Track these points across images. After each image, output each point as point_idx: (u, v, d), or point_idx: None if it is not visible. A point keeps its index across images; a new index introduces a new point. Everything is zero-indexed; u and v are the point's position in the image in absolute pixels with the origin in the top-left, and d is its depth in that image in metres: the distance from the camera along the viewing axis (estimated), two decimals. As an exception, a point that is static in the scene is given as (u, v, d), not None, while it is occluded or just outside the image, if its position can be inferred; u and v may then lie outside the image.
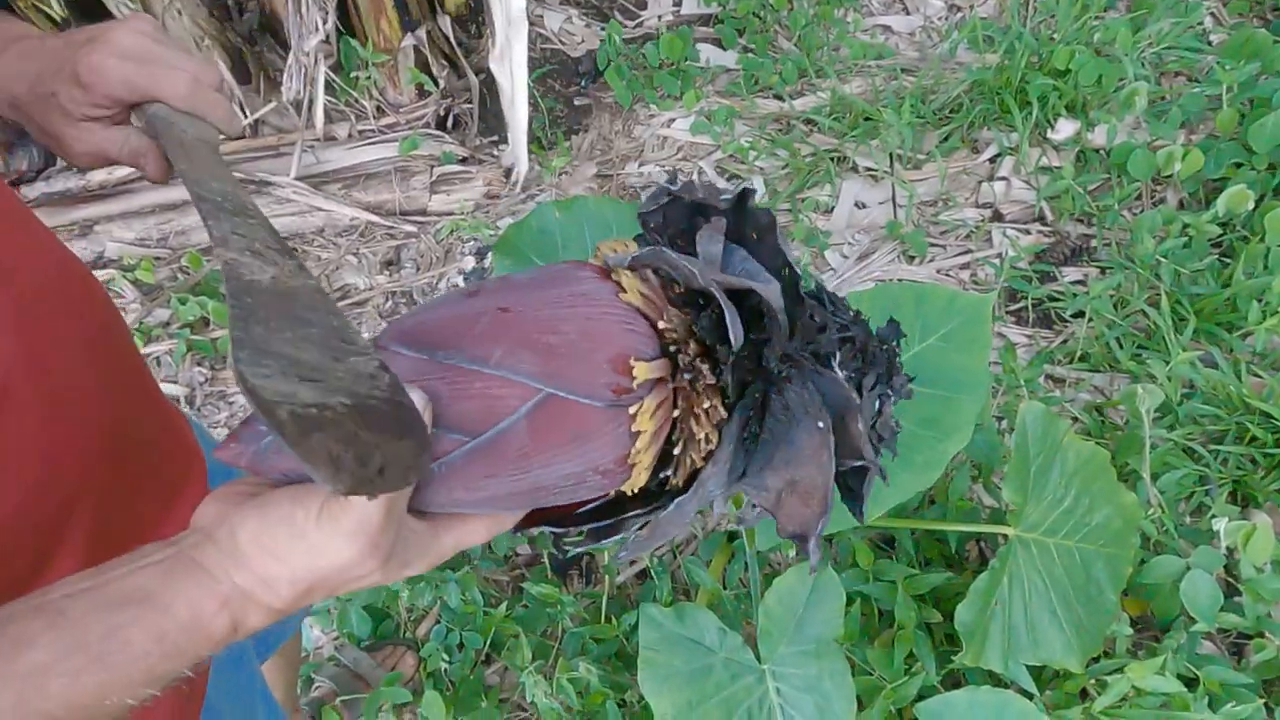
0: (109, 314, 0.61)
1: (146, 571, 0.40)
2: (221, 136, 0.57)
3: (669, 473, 0.48)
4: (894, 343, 0.52)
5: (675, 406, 0.46)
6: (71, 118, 0.55)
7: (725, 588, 1.41)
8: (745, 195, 0.49)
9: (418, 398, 0.41)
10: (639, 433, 0.44)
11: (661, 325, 0.46)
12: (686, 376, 0.46)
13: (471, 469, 0.43)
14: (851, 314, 0.51)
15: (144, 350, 1.89)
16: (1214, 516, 1.33)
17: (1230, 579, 1.38)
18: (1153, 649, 1.29)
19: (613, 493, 0.49)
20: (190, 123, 0.55)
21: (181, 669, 0.40)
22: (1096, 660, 1.22)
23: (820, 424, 0.46)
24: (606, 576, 1.48)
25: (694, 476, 0.48)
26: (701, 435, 0.46)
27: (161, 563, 0.40)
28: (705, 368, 0.46)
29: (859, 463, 0.49)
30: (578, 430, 0.43)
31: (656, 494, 0.49)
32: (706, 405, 0.46)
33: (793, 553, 1.46)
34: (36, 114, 0.56)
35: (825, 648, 1.07)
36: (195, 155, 0.52)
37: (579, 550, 0.51)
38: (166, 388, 1.87)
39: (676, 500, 0.47)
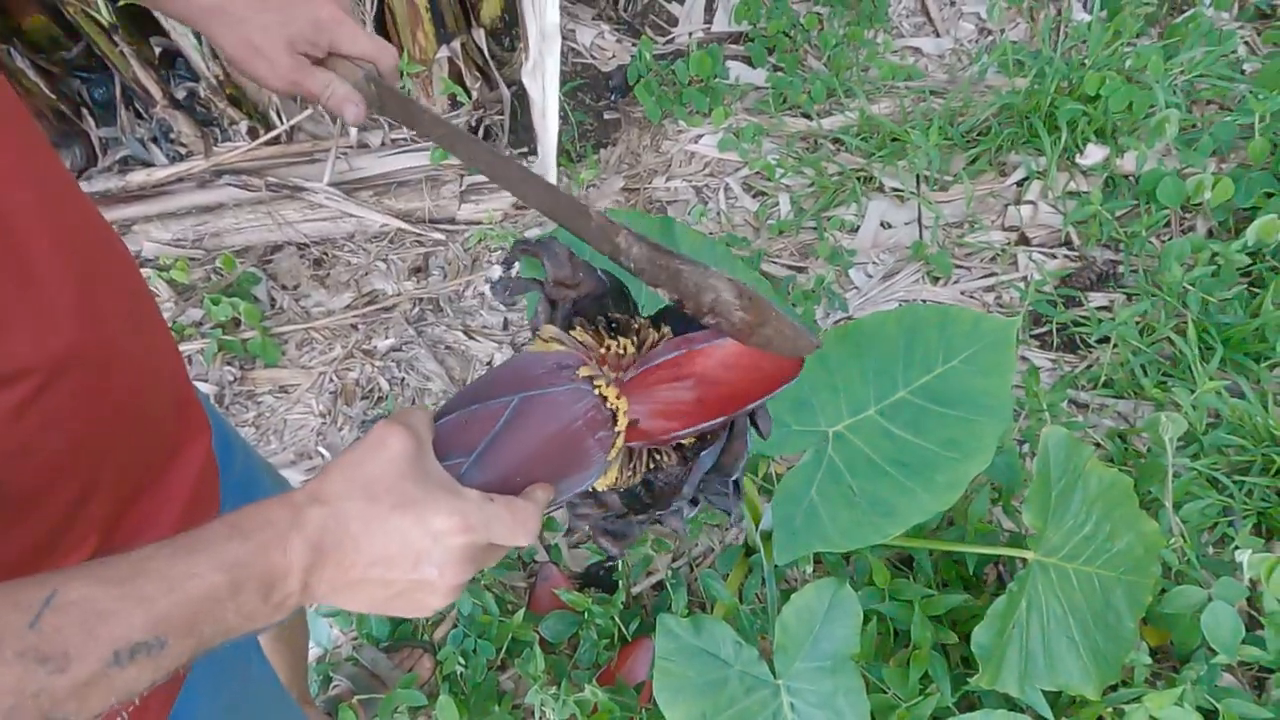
0: (138, 281, 0.64)
1: None
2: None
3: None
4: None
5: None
6: (293, 48, 0.69)
7: (742, 602, 1.41)
8: None
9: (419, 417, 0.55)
10: (591, 377, 0.60)
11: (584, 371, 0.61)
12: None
13: (476, 468, 0.56)
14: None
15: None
16: (1237, 548, 1.31)
17: (1253, 612, 1.37)
18: (1171, 679, 1.28)
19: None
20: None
21: (229, 546, 0.44)
22: (1114, 688, 1.21)
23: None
24: (619, 581, 1.49)
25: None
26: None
27: None
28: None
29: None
30: (545, 411, 0.58)
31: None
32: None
33: (810, 569, 1.46)
34: (255, 34, 0.69)
35: (841, 665, 1.07)
36: (415, 109, 0.70)
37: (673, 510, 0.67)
38: (196, 386, 1.90)
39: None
